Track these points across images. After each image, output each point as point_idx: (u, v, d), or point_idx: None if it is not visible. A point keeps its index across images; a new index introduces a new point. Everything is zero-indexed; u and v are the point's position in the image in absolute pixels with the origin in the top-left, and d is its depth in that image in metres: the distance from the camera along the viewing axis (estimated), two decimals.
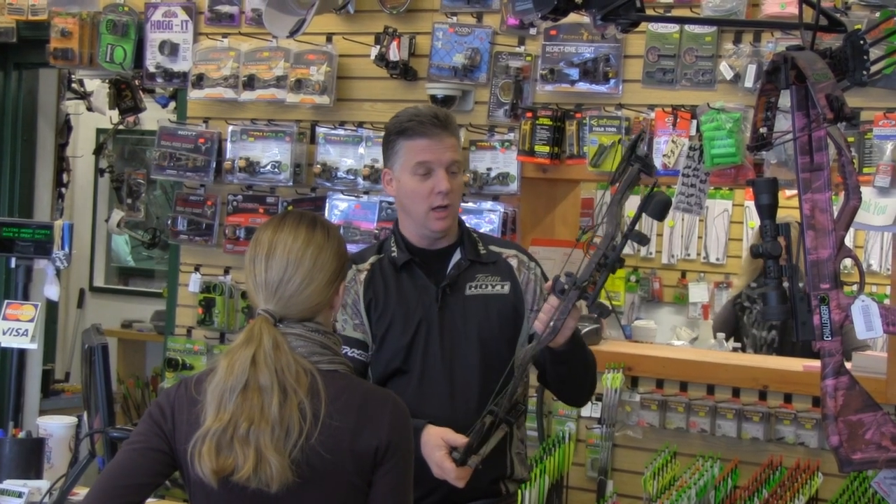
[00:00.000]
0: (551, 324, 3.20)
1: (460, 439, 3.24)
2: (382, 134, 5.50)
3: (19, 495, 3.77)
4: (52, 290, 4.80)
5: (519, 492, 3.73)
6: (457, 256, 3.62)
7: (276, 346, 2.68)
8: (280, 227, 2.81)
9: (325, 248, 2.79)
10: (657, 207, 3.15)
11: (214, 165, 6.03)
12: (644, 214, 3.15)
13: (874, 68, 2.89)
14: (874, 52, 2.92)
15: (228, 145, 6.00)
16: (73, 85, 8.36)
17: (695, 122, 4.88)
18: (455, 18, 5.49)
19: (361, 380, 2.86)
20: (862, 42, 2.86)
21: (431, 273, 3.59)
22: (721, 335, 6.56)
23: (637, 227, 3.15)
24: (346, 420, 2.69)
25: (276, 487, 2.63)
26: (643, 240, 3.21)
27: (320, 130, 5.79)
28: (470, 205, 5.33)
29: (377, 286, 3.59)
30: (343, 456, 2.68)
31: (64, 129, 8.13)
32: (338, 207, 5.70)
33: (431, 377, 3.48)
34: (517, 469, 3.59)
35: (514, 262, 3.66)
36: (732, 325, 6.65)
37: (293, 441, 2.63)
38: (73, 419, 4.23)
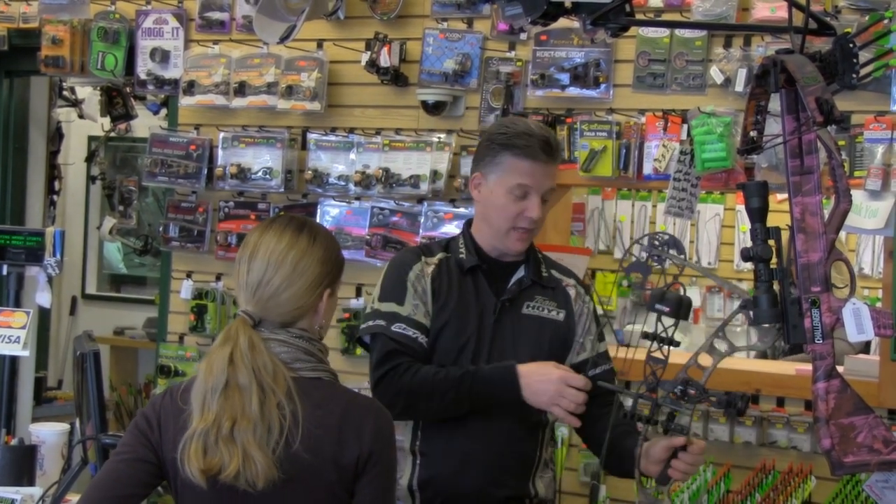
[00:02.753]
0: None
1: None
2: (374, 139, 5.58)
3: (12, 502, 3.76)
4: (43, 297, 4.80)
5: None
6: (520, 273, 3.59)
7: (251, 346, 2.68)
8: (267, 230, 2.81)
9: (309, 253, 2.78)
10: (672, 305, 3.09)
11: (206, 172, 6.03)
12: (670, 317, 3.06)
13: (864, 71, 2.90)
14: (863, 56, 2.92)
15: (220, 152, 5.99)
16: (65, 92, 8.36)
17: (685, 126, 4.88)
18: (445, 24, 5.50)
19: (345, 388, 2.82)
20: (851, 45, 2.87)
21: (493, 283, 3.56)
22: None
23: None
24: (328, 429, 2.68)
25: (262, 484, 2.61)
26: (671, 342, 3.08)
27: (311, 136, 5.79)
28: (462, 210, 5.34)
29: (442, 282, 3.55)
30: (326, 465, 2.67)
31: (55, 136, 8.13)
32: (329, 213, 5.70)
33: None
34: (542, 491, 3.54)
35: (572, 292, 3.63)
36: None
37: (275, 439, 2.63)
38: (65, 426, 4.22)
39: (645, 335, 3.04)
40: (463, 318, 3.51)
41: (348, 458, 2.68)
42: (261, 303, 2.76)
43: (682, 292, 3.06)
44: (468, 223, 3.67)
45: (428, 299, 3.52)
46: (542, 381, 3.33)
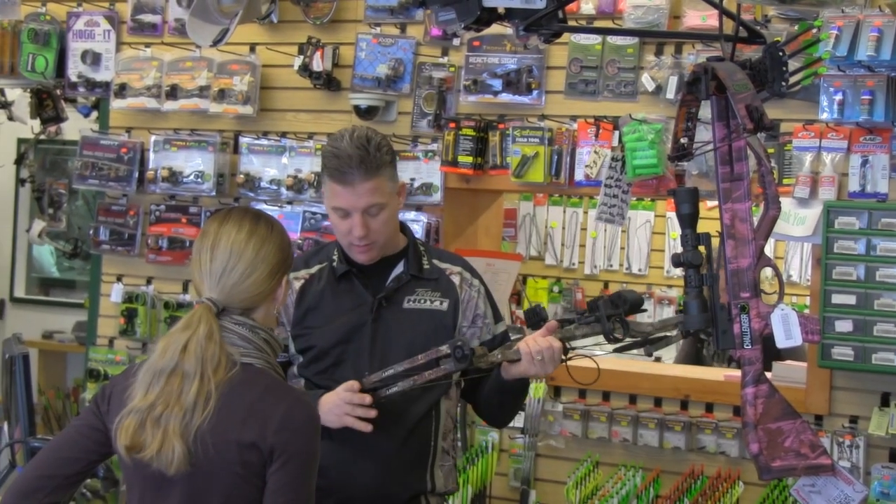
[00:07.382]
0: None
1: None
2: (306, 144, 5.56)
3: None
4: None
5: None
6: (398, 269, 3.58)
7: (209, 336, 2.76)
8: (226, 220, 2.90)
9: (268, 241, 2.88)
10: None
11: (137, 175, 5.98)
12: None
13: (793, 79, 2.93)
14: (793, 64, 2.96)
15: (151, 155, 5.96)
16: None
17: (617, 133, 4.92)
18: (379, 29, 5.50)
19: (273, 377, 2.87)
20: (781, 53, 2.90)
21: (370, 284, 3.56)
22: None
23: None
24: (236, 411, 2.74)
25: (173, 471, 2.71)
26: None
27: (243, 140, 5.77)
28: None
29: (314, 292, 3.57)
30: (229, 447, 2.73)
31: None
32: None
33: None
34: (440, 483, 3.55)
35: (456, 280, 3.61)
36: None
37: (196, 426, 2.71)
38: None
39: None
40: (340, 324, 3.52)
41: (248, 442, 2.73)
42: (225, 290, 2.84)
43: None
44: None
45: (289, 312, 3.56)
46: (329, 402, 3.35)
